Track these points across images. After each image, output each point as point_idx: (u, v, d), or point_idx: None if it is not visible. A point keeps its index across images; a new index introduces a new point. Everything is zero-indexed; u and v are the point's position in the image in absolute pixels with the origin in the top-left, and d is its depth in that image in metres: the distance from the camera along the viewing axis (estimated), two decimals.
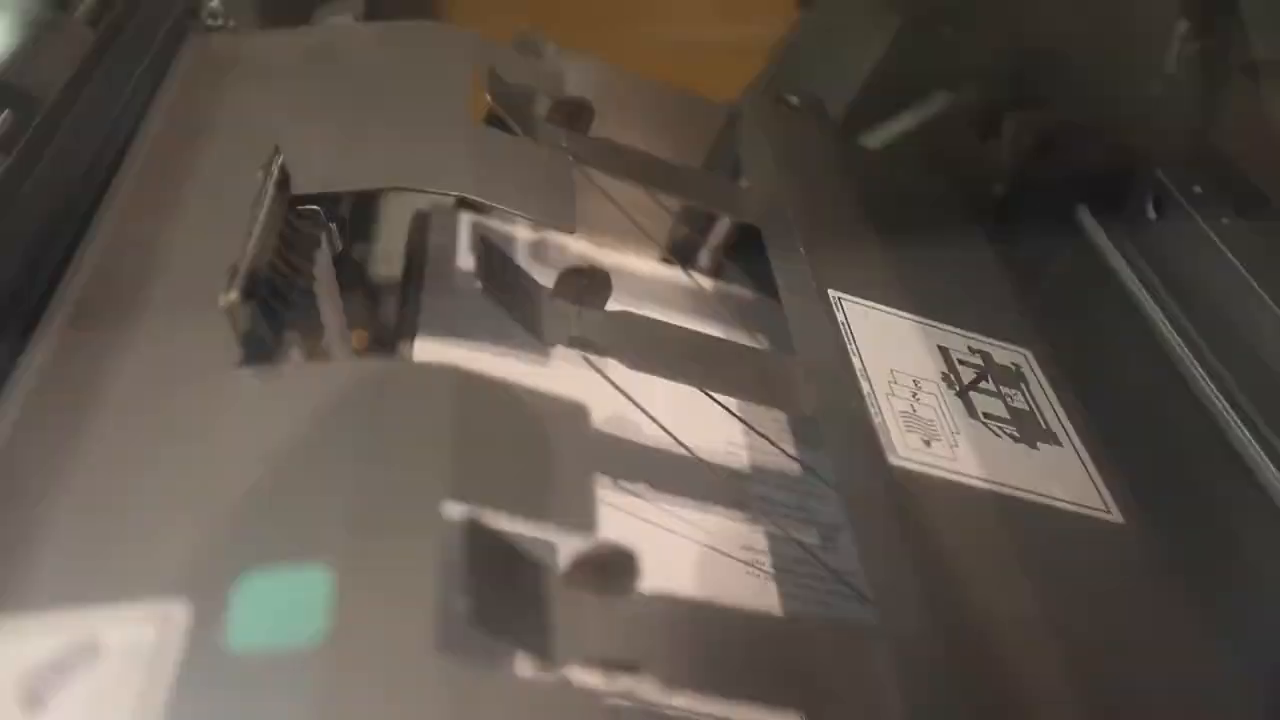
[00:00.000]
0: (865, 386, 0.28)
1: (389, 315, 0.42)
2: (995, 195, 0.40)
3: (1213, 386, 0.31)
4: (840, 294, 0.31)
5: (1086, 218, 0.38)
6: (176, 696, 0.18)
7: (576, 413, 0.24)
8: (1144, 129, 0.37)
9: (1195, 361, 0.32)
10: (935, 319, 0.32)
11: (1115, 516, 0.27)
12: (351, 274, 0.44)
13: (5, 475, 0.21)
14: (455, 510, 0.20)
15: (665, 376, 0.28)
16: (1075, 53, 0.41)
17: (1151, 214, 0.35)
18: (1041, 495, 0.27)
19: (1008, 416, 0.29)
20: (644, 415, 0.30)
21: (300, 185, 0.28)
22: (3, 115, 0.28)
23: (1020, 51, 0.43)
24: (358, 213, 0.32)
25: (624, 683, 0.21)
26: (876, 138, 0.45)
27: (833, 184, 0.36)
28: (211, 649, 0.18)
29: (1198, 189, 0.34)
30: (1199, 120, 0.35)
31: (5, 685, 0.18)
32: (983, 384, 0.30)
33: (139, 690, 0.18)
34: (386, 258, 0.45)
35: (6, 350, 0.24)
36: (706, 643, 0.22)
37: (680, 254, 0.41)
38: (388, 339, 0.36)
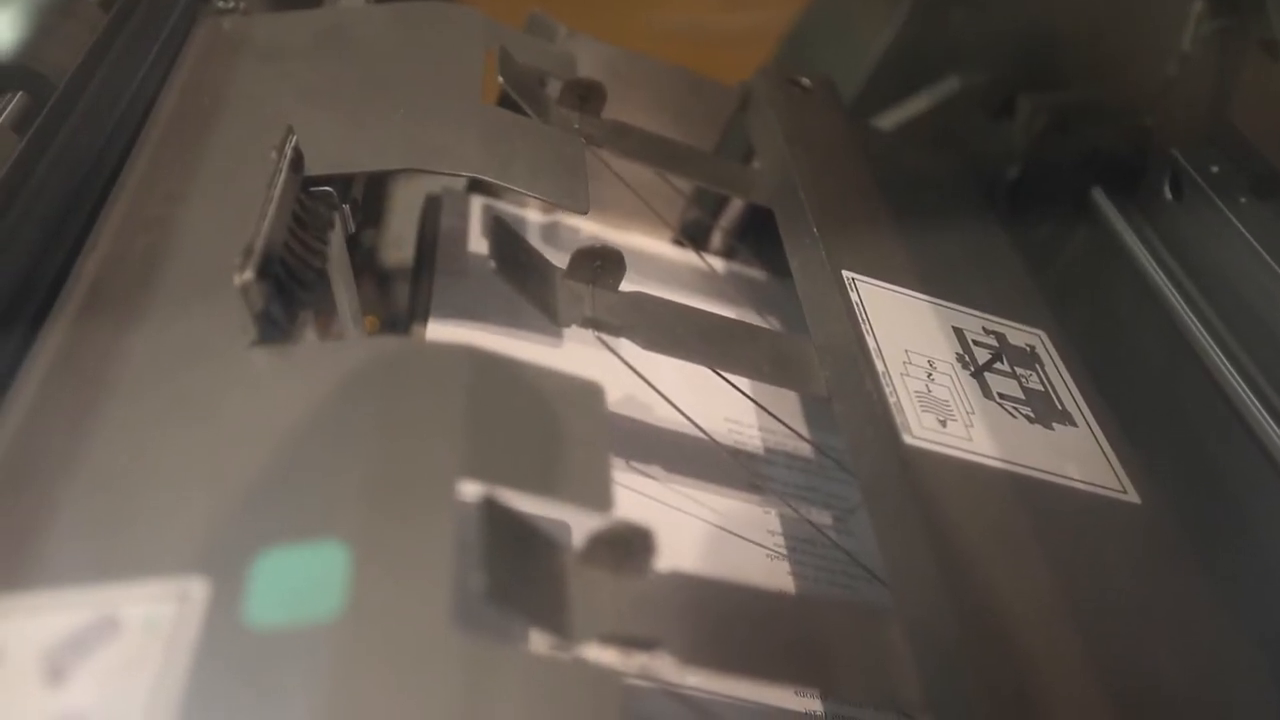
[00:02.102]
0: (880, 366, 0.27)
1: (400, 300, 0.42)
2: (1009, 177, 0.40)
3: (1229, 366, 0.31)
4: (854, 274, 0.30)
5: (1101, 199, 0.37)
6: (195, 671, 0.18)
7: (590, 392, 0.24)
8: (1160, 109, 0.37)
9: (1211, 342, 0.32)
10: (949, 300, 0.31)
11: (1131, 497, 0.27)
12: (362, 259, 0.44)
13: (24, 454, 0.22)
14: (470, 488, 0.20)
15: (679, 357, 0.28)
16: (1089, 32, 0.41)
17: (1168, 195, 0.35)
18: (1057, 475, 0.27)
19: (1023, 397, 0.29)
20: (657, 395, 0.30)
21: (313, 166, 0.28)
22: (16, 97, 0.28)
23: (1033, 31, 0.43)
24: (368, 199, 0.32)
25: (640, 660, 0.21)
26: (889, 119, 0.44)
27: (845, 165, 0.36)
28: (229, 625, 0.18)
29: (1215, 169, 0.33)
30: (1217, 99, 0.35)
31: (27, 661, 0.18)
32: (998, 365, 0.30)
33: (158, 665, 0.18)
34: (397, 243, 0.45)
35: (23, 331, 0.25)
36: (722, 621, 0.22)
37: (692, 236, 0.41)
38: (400, 323, 0.36)
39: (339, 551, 0.19)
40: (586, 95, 0.34)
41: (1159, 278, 0.34)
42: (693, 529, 0.30)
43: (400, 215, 0.46)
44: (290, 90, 0.31)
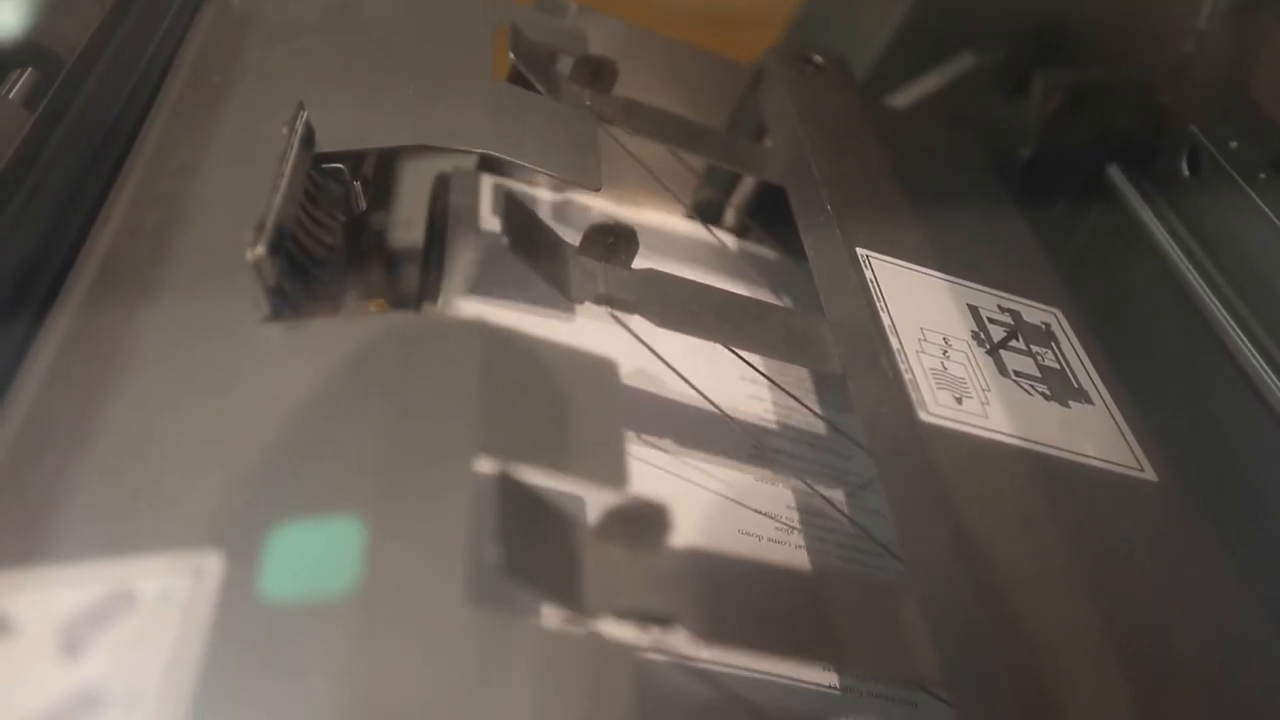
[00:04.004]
0: (895, 343, 0.27)
1: (408, 283, 0.42)
2: (1024, 155, 0.39)
3: (1247, 343, 0.31)
4: (868, 252, 0.30)
5: (1118, 176, 0.37)
6: (210, 644, 0.18)
7: (604, 368, 0.24)
8: (1177, 85, 0.36)
9: (1229, 319, 0.32)
10: (964, 278, 0.31)
11: (1148, 474, 0.27)
12: (371, 242, 0.44)
13: (39, 430, 0.21)
14: (485, 463, 0.20)
15: (693, 334, 0.28)
16: (1105, 8, 0.40)
17: (1186, 171, 0.34)
18: (1074, 453, 0.26)
19: (1039, 375, 0.29)
20: (670, 371, 0.30)
21: (324, 143, 0.28)
22: (27, 73, 0.28)
23: (1048, 8, 0.42)
24: (376, 180, 0.32)
25: (654, 635, 0.21)
26: (902, 98, 0.44)
27: (858, 143, 0.36)
28: (244, 598, 0.18)
29: (1233, 144, 0.33)
30: (1234, 75, 0.34)
31: (43, 634, 0.18)
32: (1013, 342, 0.29)
33: (173, 638, 0.18)
34: (405, 224, 0.45)
35: (36, 307, 0.24)
36: (737, 596, 0.22)
37: (704, 214, 0.41)
38: (408, 304, 0.36)
39: (353, 526, 0.19)
40: (598, 72, 0.34)
41: (1176, 255, 0.34)
42: (707, 504, 0.30)
43: (408, 198, 0.46)
44: (301, 67, 0.31)
